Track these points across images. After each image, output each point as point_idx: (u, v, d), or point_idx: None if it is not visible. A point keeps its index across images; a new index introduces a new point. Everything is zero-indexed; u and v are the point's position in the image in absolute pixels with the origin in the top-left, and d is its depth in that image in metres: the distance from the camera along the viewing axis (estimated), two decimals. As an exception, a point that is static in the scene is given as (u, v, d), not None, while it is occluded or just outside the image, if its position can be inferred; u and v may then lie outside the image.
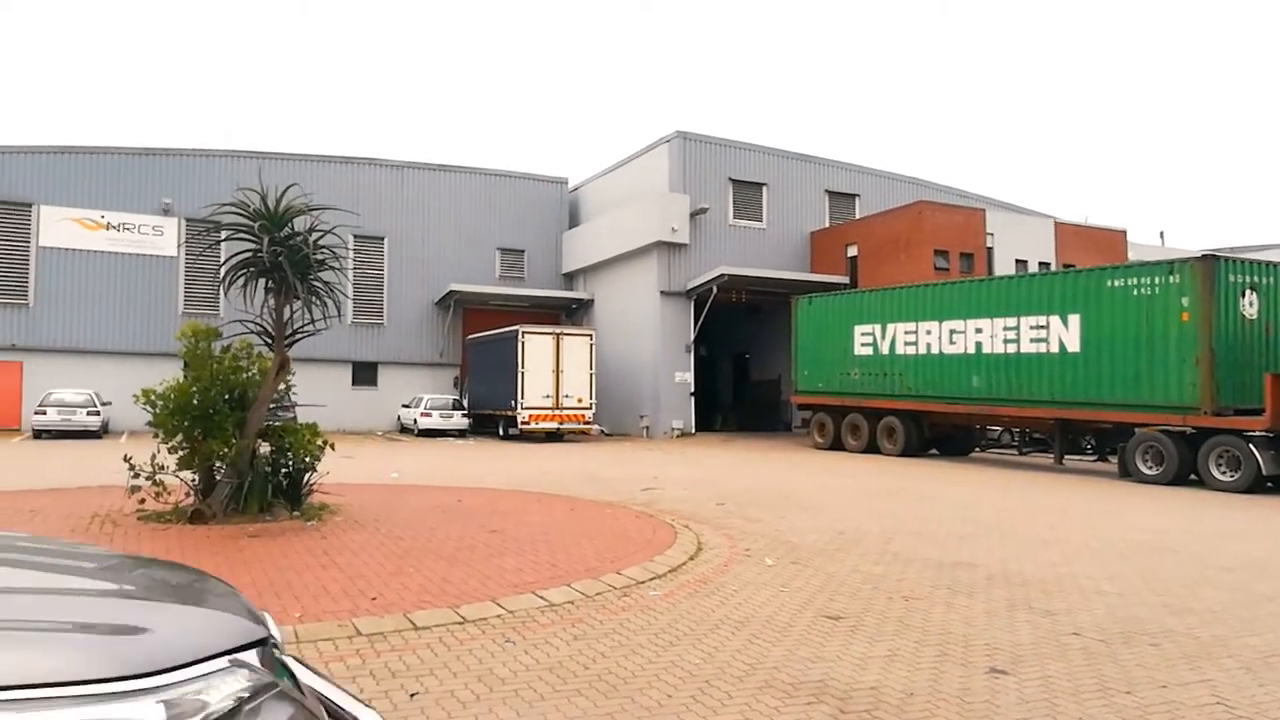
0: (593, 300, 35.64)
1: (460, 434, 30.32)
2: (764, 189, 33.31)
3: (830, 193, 34.85)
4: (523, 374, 27.81)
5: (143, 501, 9.31)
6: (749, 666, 4.93)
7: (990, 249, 30.44)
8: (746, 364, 37.81)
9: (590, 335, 29.36)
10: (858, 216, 34.19)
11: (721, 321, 32.98)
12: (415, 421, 30.50)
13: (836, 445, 24.24)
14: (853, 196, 35.32)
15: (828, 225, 34.10)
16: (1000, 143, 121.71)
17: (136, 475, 9.18)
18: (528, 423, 27.80)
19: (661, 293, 30.85)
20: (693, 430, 30.97)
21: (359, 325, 33.50)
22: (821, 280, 30.31)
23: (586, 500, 12.06)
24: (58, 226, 30.29)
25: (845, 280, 30.69)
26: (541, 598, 6.28)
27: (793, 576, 7.42)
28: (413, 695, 4.32)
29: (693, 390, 31.27)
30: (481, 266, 36.27)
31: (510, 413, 28.21)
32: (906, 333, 22.37)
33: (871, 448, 23.09)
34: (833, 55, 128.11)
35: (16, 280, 29.92)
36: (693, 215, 31.12)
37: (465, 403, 31.60)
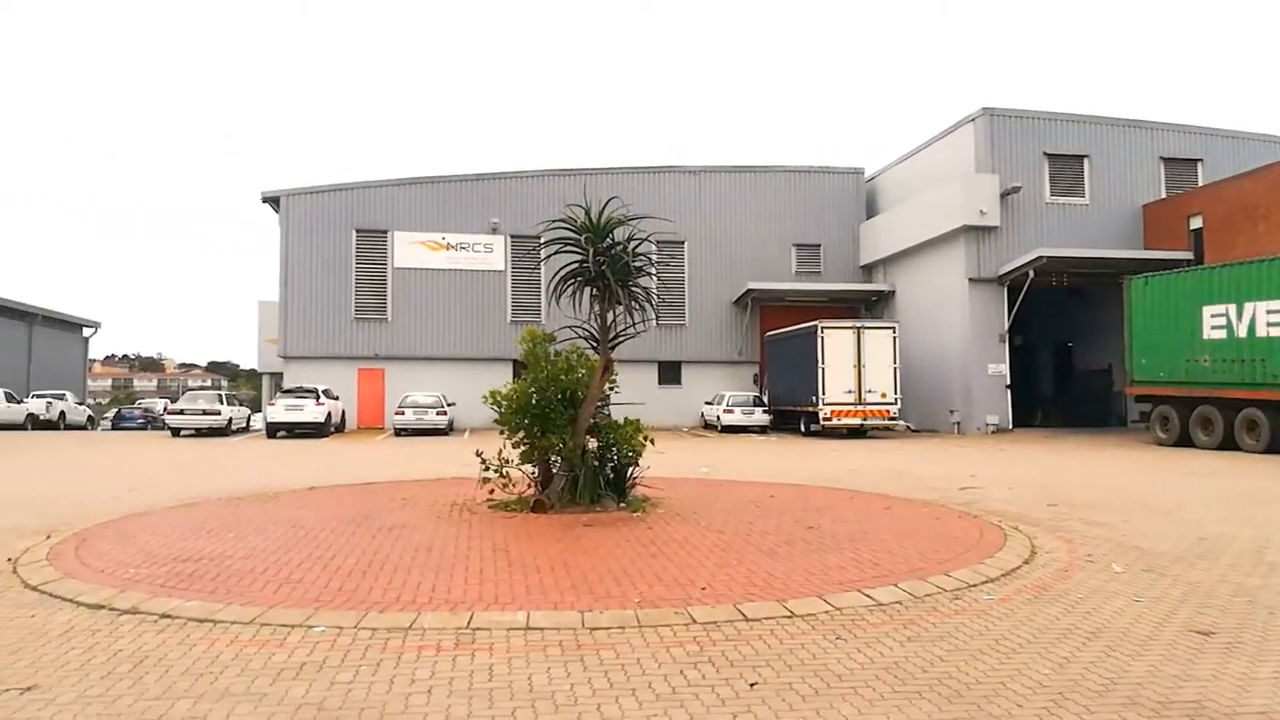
0: (894, 291, 34.54)
1: (761, 430, 30.65)
2: (1085, 161, 30.46)
3: (1166, 159, 31.10)
4: (823, 369, 27.57)
5: (492, 492, 10.38)
6: (1107, 681, 4.55)
7: (1380, 209, 25.68)
8: (1070, 353, 34.77)
9: (893, 328, 28.48)
10: (1201, 184, 30.26)
11: (1039, 308, 30.58)
12: (718, 418, 31.28)
13: (1183, 441, 21.67)
14: (1194, 162, 31.29)
15: (1164, 196, 30.48)
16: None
17: (487, 468, 10.25)
18: (830, 419, 27.52)
19: (970, 280, 29.23)
20: (1010, 426, 29.02)
21: (663, 326, 34.84)
22: (1158, 257, 27.16)
23: (901, 499, 11.72)
24: (408, 249, 34.53)
25: (1188, 256, 27.30)
26: (869, 596, 6.20)
27: (1148, 586, 6.74)
28: (752, 685, 4.45)
29: (1008, 383, 29.31)
30: (778, 263, 36.45)
31: (811, 409, 28.09)
32: (1270, 312, 19.53)
33: (1228, 444, 20.40)
34: (1170, 12, 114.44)
35: (378, 299, 34.47)
36: (1003, 195, 29.17)
37: (765, 399, 31.92)
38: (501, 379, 15.86)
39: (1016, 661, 4.86)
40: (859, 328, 28.32)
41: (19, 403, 35.81)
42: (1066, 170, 30.41)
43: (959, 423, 29.40)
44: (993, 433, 28.37)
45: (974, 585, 6.67)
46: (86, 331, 51.65)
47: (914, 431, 30.02)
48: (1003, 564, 7.38)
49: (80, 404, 42.37)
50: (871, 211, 37.29)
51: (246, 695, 4.27)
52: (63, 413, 38.14)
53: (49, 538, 8.51)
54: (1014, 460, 19.13)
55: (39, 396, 37.94)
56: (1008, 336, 29.45)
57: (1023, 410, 30.45)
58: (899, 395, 27.78)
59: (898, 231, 33.71)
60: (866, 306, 36.13)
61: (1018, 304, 28.74)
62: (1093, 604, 6.19)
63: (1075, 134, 30.62)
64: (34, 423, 35.83)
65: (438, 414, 29.59)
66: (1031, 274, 27.73)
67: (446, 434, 29.54)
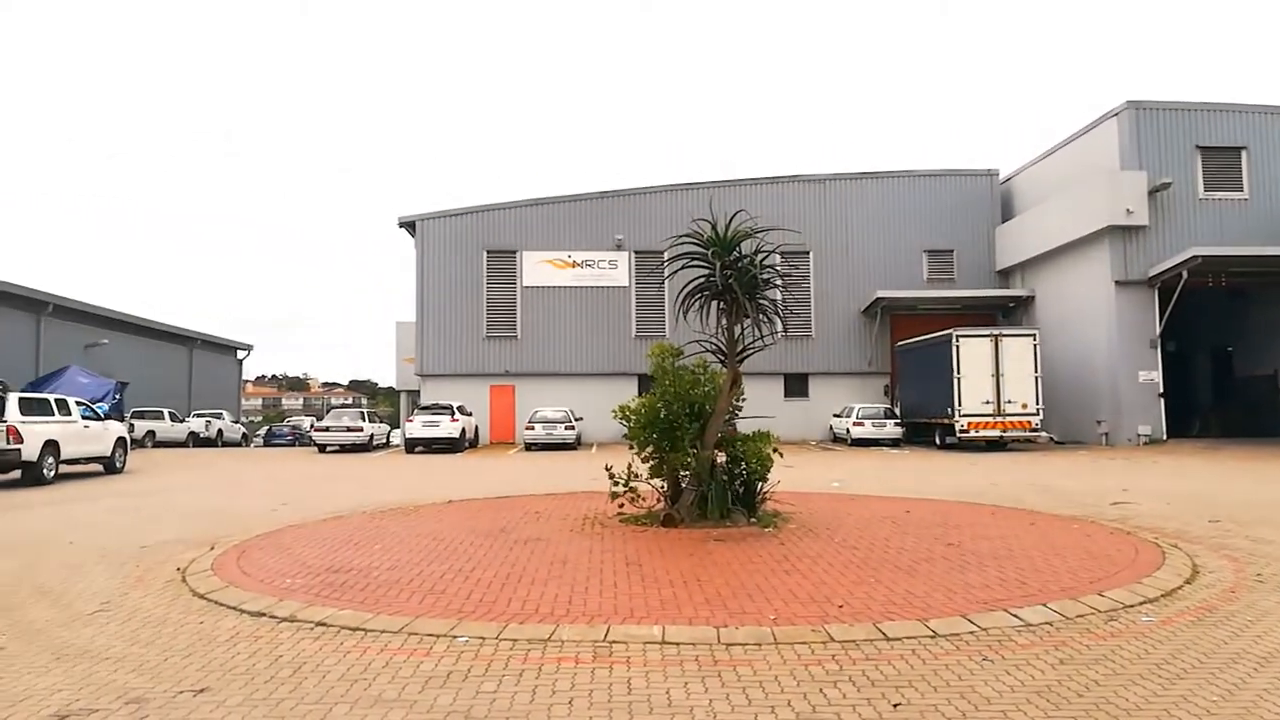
0: (1033, 297, 33.14)
1: (894, 443, 29.86)
2: (1243, 153, 28.50)
3: (1335, 147, 28.79)
4: (959, 379, 26.67)
5: (621, 506, 10.49)
6: (1286, 712, 4.22)
7: None
8: (1229, 358, 32.47)
9: (1033, 335, 27.29)
10: (1377, 171, 27.86)
11: (1194, 311, 28.73)
12: (848, 431, 30.66)
13: (1365, 452, 19.90)
14: (1367, 148, 28.85)
15: (1334, 186, 28.21)
16: None
17: (616, 483, 10.37)
18: (966, 431, 26.57)
19: (1117, 283, 27.75)
20: (1163, 436, 27.31)
21: (789, 337, 34.36)
22: (1329, 253, 25.15)
23: (1047, 514, 11.20)
24: (536, 268, 35.40)
25: (1364, 250, 25.16)
26: (1016, 616, 5.94)
27: (1329, 610, 6.21)
28: (895, 705, 4.33)
29: (1161, 391, 27.61)
30: (907, 271, 35.53)
31: (947, 420, 27.18)
32: None
33: None
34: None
35: (508, 317, 35.44)
36: (1151, 193, 27.59)
37: (897, 411, 31.10)
38: (626, 394, 16.06)
39: (1181, 688, 4.57)
40: (996, 335, 27.27)
41: (181, 422, 38.56)
42: (1222, 163, 28.51)
43: (1107, 434, 27.88)
44: (1145, 444, 26.76)
45: (1131, 606, 6.30)
46: (240, 354, 55.13)
47: (1058, 443, 28.65)
48: (1162, 584, 6.94)
49: (235, 422, 45.31)
50: (1007, 214, 35.91)
51: (398, 702, 4.45)
52: (220, 430, 40.90)
53: (213, 548, 9.11)
54: (1170, 473, 17.99)
55: (199, 416, 40.82)
56: (1159, 342, 27.77)
57: (1177, 420, 28.61)
58: (1041, 406, 26.58)
59: (1036, 234, 32.33)
60: (1004, 313, 34.76)
61: (1170, 307, 27.07)
62: (1264, 627, 5.76)
63: (1231, 124, 28.71)
64: (195, 440, 38.53)
65: (566, 429, 30.12)
66: (1185, 275, 26.08)
67: (574, 448, 30.02)
